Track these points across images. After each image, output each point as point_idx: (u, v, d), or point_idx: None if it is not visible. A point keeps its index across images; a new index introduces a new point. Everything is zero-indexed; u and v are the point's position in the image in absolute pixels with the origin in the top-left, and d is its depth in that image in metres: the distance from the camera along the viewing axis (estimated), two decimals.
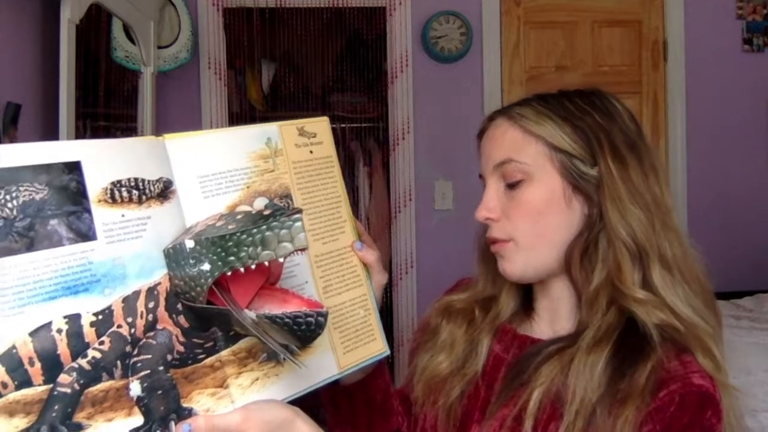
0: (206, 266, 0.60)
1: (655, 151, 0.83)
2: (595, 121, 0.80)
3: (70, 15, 1.69)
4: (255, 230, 0.59)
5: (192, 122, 2.74)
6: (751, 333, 2.12)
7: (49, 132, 1.83)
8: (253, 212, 0.66)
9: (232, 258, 0.59)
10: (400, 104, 2.84)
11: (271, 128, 0.74)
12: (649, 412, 0.69)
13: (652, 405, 0.69)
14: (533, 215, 0.79)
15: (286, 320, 0.60)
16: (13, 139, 1.69)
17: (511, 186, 0.80)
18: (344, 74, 3.64)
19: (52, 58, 1.79)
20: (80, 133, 2.01)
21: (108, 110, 2.42)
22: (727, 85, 2.92)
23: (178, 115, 2.73)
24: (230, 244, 0.59)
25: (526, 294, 0.88)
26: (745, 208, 2.93)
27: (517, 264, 0.81)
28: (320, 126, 0.78)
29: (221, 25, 2.78)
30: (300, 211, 0.60)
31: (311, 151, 0.77)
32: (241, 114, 3.54)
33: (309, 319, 0.61)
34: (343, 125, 3.55)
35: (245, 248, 0.59)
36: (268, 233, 0.58)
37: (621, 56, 2.93)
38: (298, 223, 0.59)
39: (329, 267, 0.77)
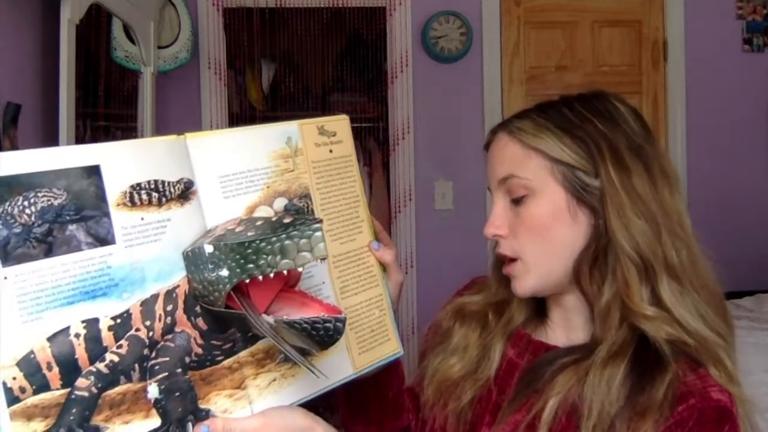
0: (225, 272, 0.60)
1: (665, 154, 0.81)
2: (596, 128, 0.78)
3: (70, 15, 1.69)
4: (274, 238, 0.59)
5: (192, 122, 2.74)
6: (751, 333, 2.12)
7: (49, 132, 1.83)
8: (273, 215, 0.66)
9: (251, 266, 0.59)
10: (400, 104, 2.84)
11: (291, 127, 0.74)
12: (668, 427, 0.69)
13: (671, 420, 0.69)
14: (539, 230, 0.78)
15: (305, 326, 0.61)
16: (13, 140, 1.69)
17: (516, 201, 0.79)
18: (344, 74, 3.63)
19: (52, 58, 1.79)
20: (80, 132, 2.01)
21: (108, 110, 2.42)
22: (727, 85, 2.92)
23: (178, 115, 2.73)
24: (249, 251, 0.59)
25: (540, 300, 0.87)
26: (746, 208, 2.93)
27: (528, 283, 0.80)
28: (340, 125, 0.78)
29: (221, 25, 2.78)
30: (320, 220, 0.60)
31: (331, 150, 0.77)
32: (241, 114, 3.53)
33: (327, 324, 0.61)
34: None
35: (264, 256, 0.59)
36: (287, 242, 0.58)
37: (621, 56, 2.94)
38: (318, 233, 0.59)
39: (346, 267, 0.77)
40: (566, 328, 0.84)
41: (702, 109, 2.91)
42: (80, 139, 2.00)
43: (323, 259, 0.60)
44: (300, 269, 0.59)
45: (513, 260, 0.81)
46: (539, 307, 0.87)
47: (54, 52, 1.75)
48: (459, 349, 0.87)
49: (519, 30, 2.90)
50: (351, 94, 3.64)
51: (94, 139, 2.25)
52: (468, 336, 0.88)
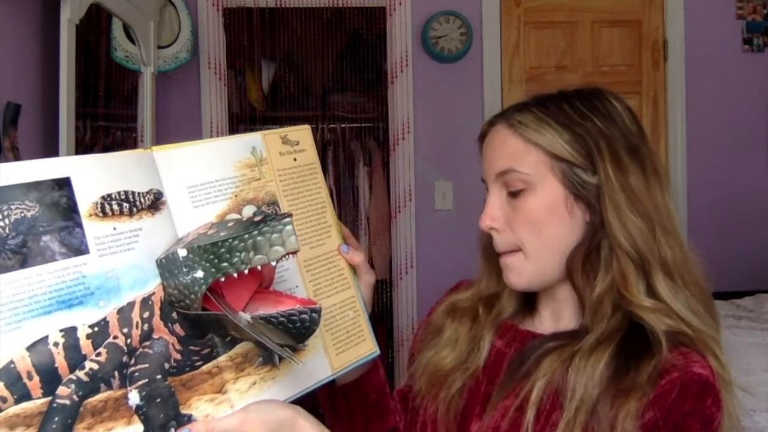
0: (199, 273, 0.61)
1: (657, 153, 0.83)
2: (596, 126, 0.79)
3: (70, 15, 1.69)
4: (247, 236, 0.60)
5: (192, 122, 2.74)
6: (751, 333, 2.12)
7: (49, 132, 1.83)
8: (243, 220, 0.67)
9: (225, 264, 0.60)
10: (400, 104, 2.84)
11: (255, 138, 0.76)
12: (651, 400, 0.70)
13: (653, 393, 0.70)
14: (535, 224, 0.79)
15: (281, 319, 0.62)
16: (13, 140, 1.69)
17: (513, 194, 0.80)
18: (344, 74, 3.64)
19: (52, 58, 1.79)
20: (80, 133, 2.01)
21: (108, 110, 2.42)
22: (727, 85, 2.92)
23: (178, 115, 2.73)
24: (223, 250, 0.60)
25: (529, 293, 0.88)
26: (745, 208, 2.93)
27: (524, 275, 0.81)
28: (302, 134, 0.80)
29: (221, 25, 2.78)
30: (290, 215, 0.61)
31: (295, 159, 0.79)
32: (241, 114, 3.54)
33: (303, 316, 0.62)
34: (343, 125, 3.55)
35: (238, 254, 0.60)
36: (259, 238, 0.60)
37: (621, 56, 2.93)
38: (289, 227, 0.60)
39: (318, 271, 0.78)
40: (555, 319, 0.85)
41: (702, 109, 2.91)
42: (80, 139, 2.00)
43: (295, 252, 0.61)
44: (274, 264, 0.61)
45: (512, 251, 0.82)
46: (528, 299, 0.89)
47: (54, 52, 1.75)
48: (450, 342, 0.89)
49: (519, 30, 2.90)
50: (351, 94, 3.64)
51: (94, 139, 2.25)
52: (458, 330, 0.90)
